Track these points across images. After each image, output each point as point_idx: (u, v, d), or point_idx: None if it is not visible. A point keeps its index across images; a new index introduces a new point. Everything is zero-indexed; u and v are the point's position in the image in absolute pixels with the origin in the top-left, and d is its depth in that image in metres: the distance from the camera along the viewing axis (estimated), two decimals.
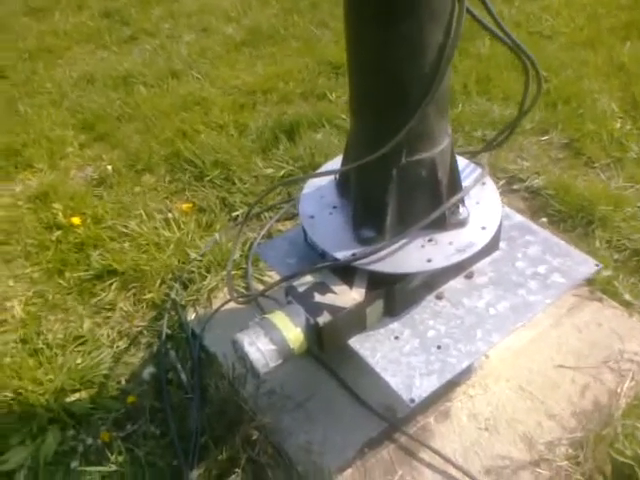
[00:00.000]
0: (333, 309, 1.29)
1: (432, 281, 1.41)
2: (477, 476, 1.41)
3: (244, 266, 1.99)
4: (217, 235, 2.12)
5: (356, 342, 1.36)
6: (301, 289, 1.35)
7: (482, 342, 1.34)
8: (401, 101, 1.18)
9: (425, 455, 1.46)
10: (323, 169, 1.58)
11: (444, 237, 1.36)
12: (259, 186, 2.35)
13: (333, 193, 1.50)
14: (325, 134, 2.57)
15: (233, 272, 1.97)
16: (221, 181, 2.42)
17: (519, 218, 1.62)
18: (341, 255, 1.31)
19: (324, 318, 1.27)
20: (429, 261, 1.31)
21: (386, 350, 1.33)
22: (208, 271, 1.99)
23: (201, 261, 2.03)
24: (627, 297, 1.77)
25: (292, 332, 1.27)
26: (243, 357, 1.26)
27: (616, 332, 1.69)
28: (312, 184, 1.55)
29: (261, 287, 1.93)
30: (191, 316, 1.88)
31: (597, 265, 1.48)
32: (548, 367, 1.62)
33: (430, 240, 1.36)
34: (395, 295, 1.36)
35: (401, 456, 1.47)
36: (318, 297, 1.33)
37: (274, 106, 2.92)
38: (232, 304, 1.83)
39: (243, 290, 1.91)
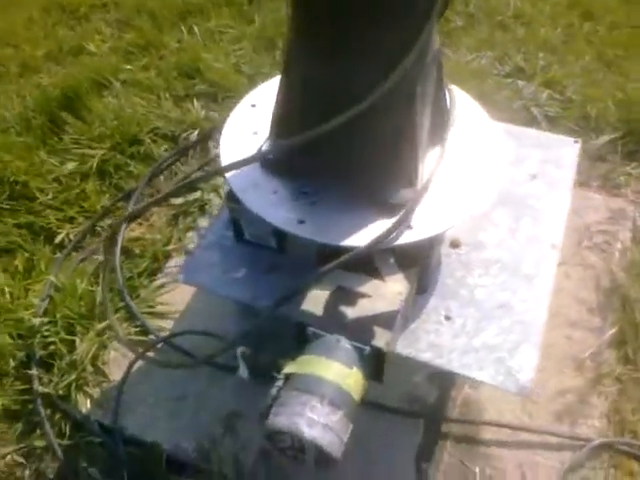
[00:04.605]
0: (382, 319, 0.88)
1: None
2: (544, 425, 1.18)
3: (121, 304, 1.39)
4: (52, 277, 1.43)
5: (407, 347, 0.97)
6: (318, 310, 0.89)
7: (539, 278, 1.05)
8: None
9: (488, 434, 1.17)
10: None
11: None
12: (70, 190, 1.65)
13: (274, 179, 0.99)
14: (119, 93, 1.91)
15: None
16: (9, 203, 1.65)
17: None
18: (366, 239, 0.87)
19: (383, 337, 0.85)
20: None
21: (448, 340, 0.97)
22: (71, 332, 1.34)
23: (53, 322, 1.35)
24: None
25: (350, 377, 0.83)
26: (303, 449, 0.79)
27: None
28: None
29: (161, 323, 1.37)
30: (85, 406, 1.25)
31: (576, 141, 1.28)
32: None
33: None
34: (430, 264, 0.98)
35: (465, 449, 1.16)
36: (350, 312, 0.89)
37: (19, 80, 2.10)
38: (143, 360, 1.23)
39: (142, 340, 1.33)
